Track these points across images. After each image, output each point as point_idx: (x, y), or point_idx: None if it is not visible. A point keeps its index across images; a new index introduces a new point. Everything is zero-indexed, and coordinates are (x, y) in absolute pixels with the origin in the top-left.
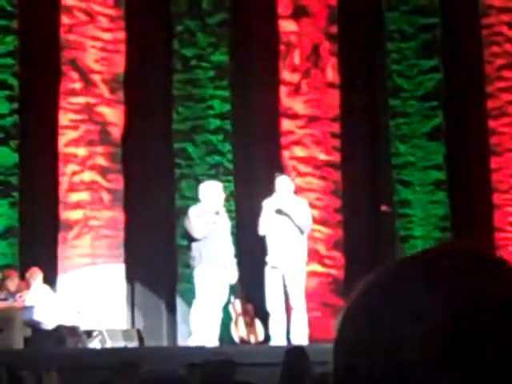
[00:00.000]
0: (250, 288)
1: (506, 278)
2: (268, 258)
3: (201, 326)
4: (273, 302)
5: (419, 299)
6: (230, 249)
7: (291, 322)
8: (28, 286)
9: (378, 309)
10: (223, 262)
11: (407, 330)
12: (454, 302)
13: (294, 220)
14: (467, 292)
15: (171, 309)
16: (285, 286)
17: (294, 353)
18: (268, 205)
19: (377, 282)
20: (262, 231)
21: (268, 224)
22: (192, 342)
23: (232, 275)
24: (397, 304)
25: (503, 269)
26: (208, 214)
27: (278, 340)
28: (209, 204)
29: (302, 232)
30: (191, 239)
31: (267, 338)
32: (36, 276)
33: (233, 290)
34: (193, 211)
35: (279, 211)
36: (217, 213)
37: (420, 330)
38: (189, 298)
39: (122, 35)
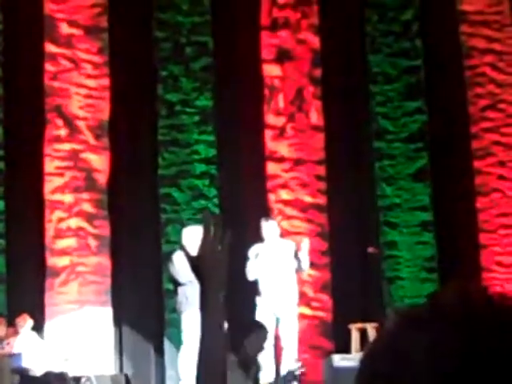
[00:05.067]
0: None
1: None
2: (259, 301)
3: (189, 371)
4: None
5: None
6: None
7: (281, 363)
8: (16, 333)
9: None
10: None
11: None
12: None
13: (295, 264)
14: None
15: (159, 354)
16: (276, 328)
17: None
18: (257, 250)
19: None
20: (251, 276)
21: (257, 269)
22: None
23: None
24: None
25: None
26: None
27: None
28: (192, 248)
29: (301, 270)
30: (177, 284)
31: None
32: (25, 323)
33: None
34: (177, 256)
35: (269, 256)
36: None
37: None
38: (177, 343)
39: (106, 82)
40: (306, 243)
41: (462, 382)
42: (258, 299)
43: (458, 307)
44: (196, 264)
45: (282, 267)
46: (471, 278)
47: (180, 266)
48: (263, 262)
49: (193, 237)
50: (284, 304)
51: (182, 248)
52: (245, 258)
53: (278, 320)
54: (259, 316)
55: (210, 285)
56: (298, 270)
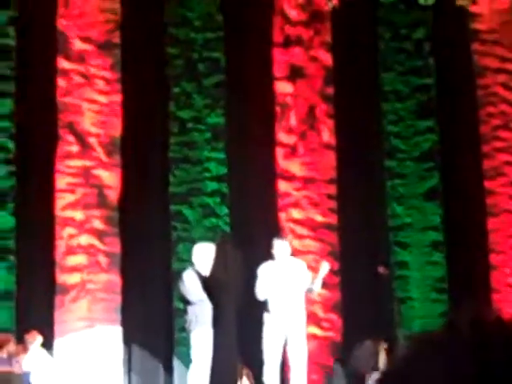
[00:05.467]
0: (247, 351)
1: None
2: (267, 319)
3: None
4: (271, 362)
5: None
6: None
7: (289, 383)
8: (25, 350)
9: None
10: None
11: None
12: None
13: (303, 284)
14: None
15: (168, 372)
16: (284, 347)
17: None
18: (267, 269)
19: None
20: (261, 296)
21: (267, 288)
22: None
23: None
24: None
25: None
26: (202, 276)
27: None
28: (203, 266)
29: (312, 291)
30: (187, 302)
31: None
32: (34, 340)
33: None
34: (187, 274)
35: (279, 275)
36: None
37: None
38: (187, 362)
39: (118, 98)
40: (325, 267)
41: None
42: (265, 316)
43: (472, 331)
44: (209, 284)
45: (292, 286)
46: (482, 300)
47: (190, 285)
48: (273, 281)
49: (203, 255)
50: (293, 323)
51: (193, 266)
52: (254, 277)
53: (286, 339)
54: (267, 334)
55: (223, 303)
56: (310, 291)
